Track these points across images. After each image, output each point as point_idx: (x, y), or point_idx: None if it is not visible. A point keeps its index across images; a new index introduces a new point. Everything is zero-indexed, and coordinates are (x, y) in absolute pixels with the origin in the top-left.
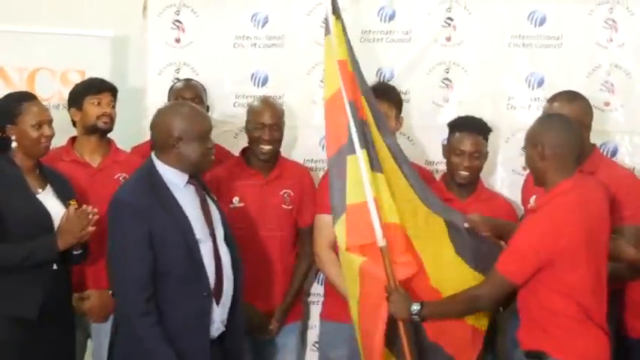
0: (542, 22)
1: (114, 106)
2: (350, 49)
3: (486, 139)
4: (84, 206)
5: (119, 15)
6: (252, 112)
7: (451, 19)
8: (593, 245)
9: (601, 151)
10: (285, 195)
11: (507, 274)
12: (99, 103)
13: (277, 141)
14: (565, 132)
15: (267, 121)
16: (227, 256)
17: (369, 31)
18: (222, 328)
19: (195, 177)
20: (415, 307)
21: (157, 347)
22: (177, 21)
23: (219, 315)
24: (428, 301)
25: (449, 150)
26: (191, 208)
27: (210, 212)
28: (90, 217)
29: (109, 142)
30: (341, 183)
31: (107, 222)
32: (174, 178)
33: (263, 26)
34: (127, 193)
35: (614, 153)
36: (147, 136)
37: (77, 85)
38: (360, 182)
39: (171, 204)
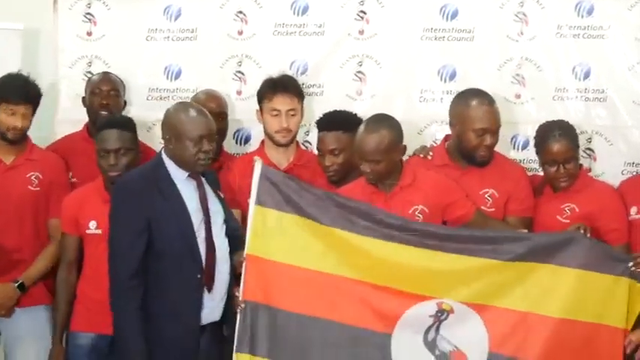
0: (454, 15)
1: (31, 117)
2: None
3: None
4: None
5: (30, 8)
6: None
7: (364, 13)
8: None
9: (512, 143)
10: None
11: None
12: (13, 114)
13: None
14: None
15: None
16: (223, 251)
17: (283, 24)
18: (215, 318)
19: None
20: None
21: (132, 336)
22: (89, 14)
23: (209, 301)
24: None
25: None
26: (190, 199)
27: (209, 207)
28: None
29: (26, 139)
30: None
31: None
32: (175, 172)
33: (176, 19)
34: (129, 177)
35: (525, 145)
36: (58, 130)
37: None
38: None
39: (170, 192)
